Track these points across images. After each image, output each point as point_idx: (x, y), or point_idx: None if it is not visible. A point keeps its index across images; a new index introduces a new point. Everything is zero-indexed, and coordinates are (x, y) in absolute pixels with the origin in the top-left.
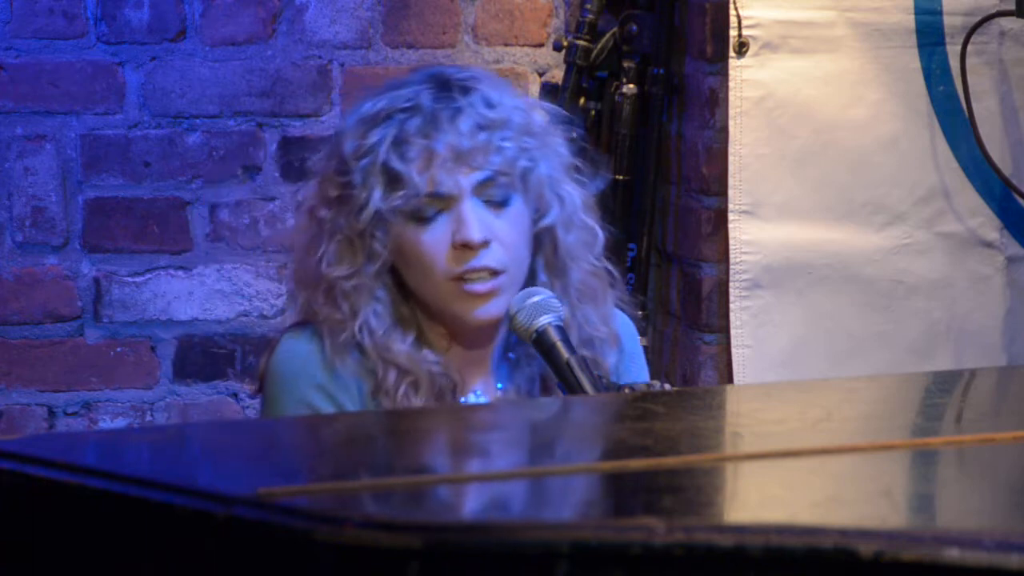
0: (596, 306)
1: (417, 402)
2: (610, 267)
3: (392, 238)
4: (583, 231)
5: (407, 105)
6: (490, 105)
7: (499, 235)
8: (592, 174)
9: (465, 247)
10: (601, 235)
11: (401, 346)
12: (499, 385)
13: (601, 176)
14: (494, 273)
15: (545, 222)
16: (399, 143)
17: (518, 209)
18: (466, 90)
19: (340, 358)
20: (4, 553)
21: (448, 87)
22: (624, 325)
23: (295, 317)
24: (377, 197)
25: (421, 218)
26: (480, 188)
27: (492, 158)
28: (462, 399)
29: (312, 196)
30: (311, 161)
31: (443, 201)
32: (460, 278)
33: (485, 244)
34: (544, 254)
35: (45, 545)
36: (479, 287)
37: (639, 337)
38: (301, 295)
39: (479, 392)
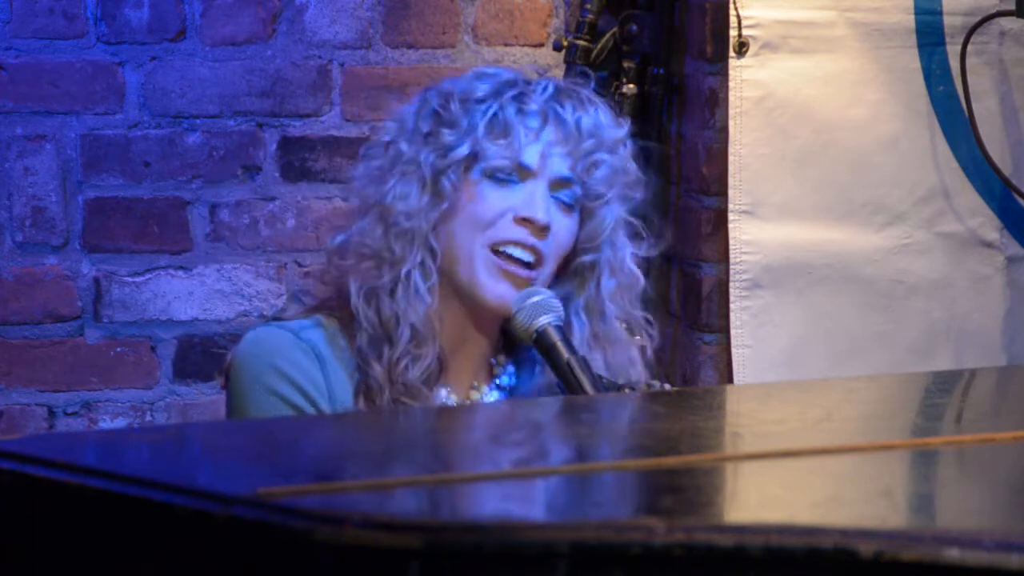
0: (617, 353)
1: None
2: (650, 318)
3: (461, 185)
4: (627, 277)
5: (536, 80)
6: (610, 126)
7: (557, 230)
8: (650, 240)
9: (527, 222)
10: (642, 282)
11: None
12: (487, 393)
13: (657, 244)
14: (536, 260)
15: (588, 258)
16: (520, 101)
17: (574, 224)
18: (592, 99)
19: (335, 345)
20: (4, 553)
21: (576, 88)
22: None
23: (301, 307)
24: (475, 140)
25: (498, 178)
26: (557, 184)
27: (588, 165)
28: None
29: (395, 129)
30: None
31: (526, 173)
32: (502, 251)
33: (546, 228)
34: (585, 294)
35: (45, 545)
36: (516, 269)
37: None
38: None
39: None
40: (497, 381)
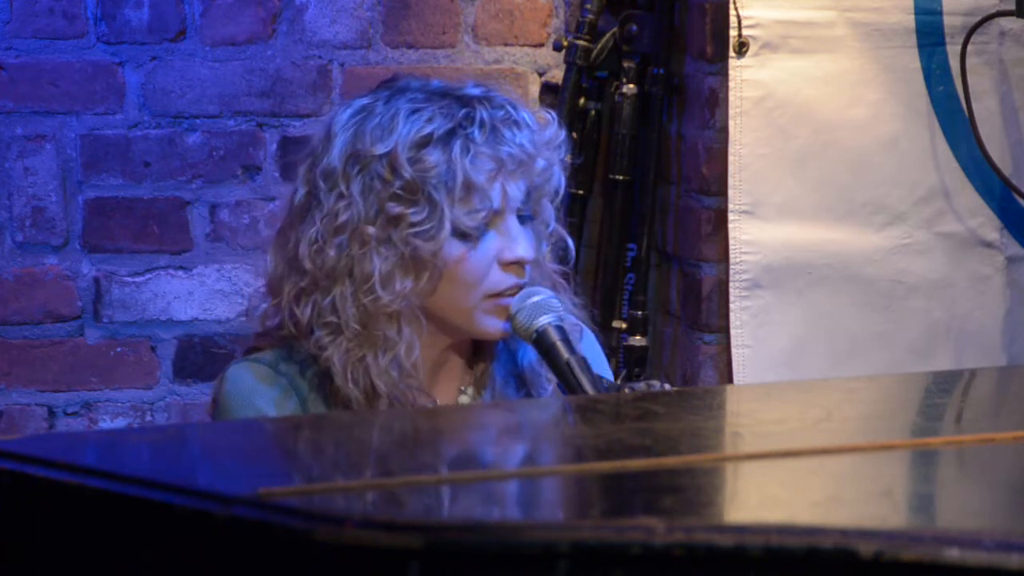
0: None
1: None
2: (566, 271)
3: (441, 257)
4: (558, 240)
5: (466, 118)
6: (540, 128)
7: (536, 252)
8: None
9: (514, 265)
10: (571, 246)
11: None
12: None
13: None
14: (524, 284)
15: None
16: (470, 153)
17: (536, 225)
18: (513, 104)
19: (312, 387)
20: (4, 553)
21: (497, 104)
22: (585, 334)
23: (264, 334)
24: (446, 214)
25: (471, 235)
26: (520, 209)
27: (540, 177)
28: None
29: (343, 206)
30: (299, 158)
31: (494, 218)
32: (499, 295)
33: (531, 261)
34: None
35: (45, 545)
36: (510, 300)
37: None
38: (309, 314)
39: None
40: (479, 380)
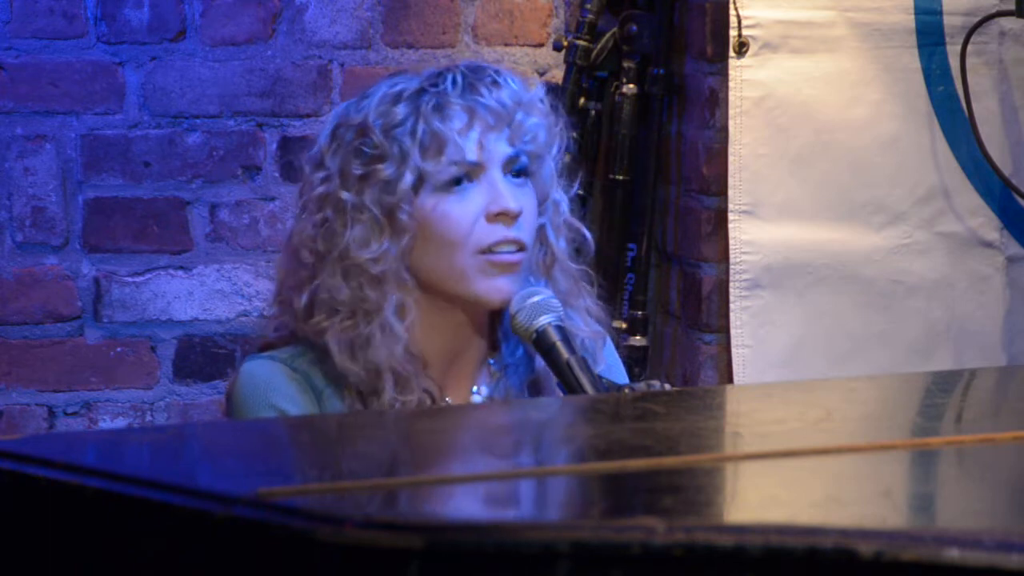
0: (577, 308)
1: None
2: (588, 271)
3: (418, 212)
4: (573, 233)
5: (440, 77)
6: (522, 86)
7: (526, 208)
8: (570, 180)
9: (501, 216)
10: (589, 238)
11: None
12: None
13: (575, 182)
14: (520, 247)
15: (540, 220)
16: (440, 107)
17: (532, 192)
18: (497, 70)
19: (324, 376)
20: (4, 553)
21: (479, 67)
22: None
23: (276, 332)
24: (416, 166)
25: (450, 189)
26: (507, 165)
27: (524, 134)
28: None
29: (321, 178)
30: (301, 159)
31: (475, 169)
32: (489, 250)
33: (519, 214)
34: (535, 254)
35: (45, 545)
36: (508, 256)
37: (614, 349)
38: (302, 298)
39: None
40: (495, 382)
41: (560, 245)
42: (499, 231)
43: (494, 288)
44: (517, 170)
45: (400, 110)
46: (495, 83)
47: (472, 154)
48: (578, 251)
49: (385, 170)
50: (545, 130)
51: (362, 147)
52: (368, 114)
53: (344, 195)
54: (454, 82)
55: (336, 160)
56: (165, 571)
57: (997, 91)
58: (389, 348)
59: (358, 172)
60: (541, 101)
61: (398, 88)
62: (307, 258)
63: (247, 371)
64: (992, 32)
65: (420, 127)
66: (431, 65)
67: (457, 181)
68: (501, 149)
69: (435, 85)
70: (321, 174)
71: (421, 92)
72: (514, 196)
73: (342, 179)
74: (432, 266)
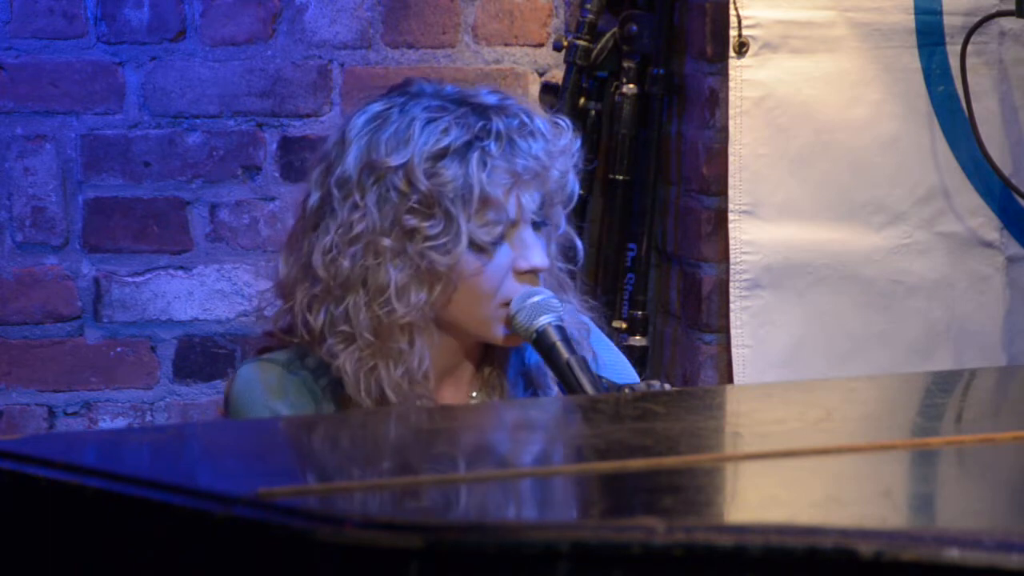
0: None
1: None
2: (573, 269)
3: (458, 269)
4: (566, 241)
5: (483, 129)
6: (555, 136)
7: (549, 260)
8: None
9: (530, 273)
10: (579, 243)
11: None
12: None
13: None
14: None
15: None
16: (484, 164)
17: (549, 231)
18: (528, 114)
19: (320, 388)
20: (4, 553)
21: (512, 112)
22: (593, 332)
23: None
24: (462, 227)
25: (485, 248)
26: (535, 215)
27: (553, 185)
28: None
29: (357, 215)
30: (311, 163)
31: (509, 227)
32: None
33: (545, 269)
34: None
35: (45, 545)
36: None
37: (603, 335)
38: (321, 321)
39: None
40: (491, 387)
41: (552, 250)
42: (523, 286)
43: (513, 337)
44: (539, 217)
45: (449, 169)
46: (531, 134)
47: (513, 212)
48: (569, 258)
49: (431, 229)
50: (572, 176)
51: (407, 198)
52: (414, 163)
53: (386, 242)
54: (498, 138)
55: (373, 199)
56: (165, 571)
57: (997, 91)
58: (403, 387)
59: (409, 224)
60: (568, 144)
61: (443, 143)
62: (327, 280)
63: (244, 374)
64: (992, 32)
65: (468, 189)
66: (431, 65)
67: (495, 239)
68: (531, 203)
69: (480, 139)
70: (353, 207)
71: (468, 148)
72: (542, 252)
73: (382, 223)
74: (455, 314)
